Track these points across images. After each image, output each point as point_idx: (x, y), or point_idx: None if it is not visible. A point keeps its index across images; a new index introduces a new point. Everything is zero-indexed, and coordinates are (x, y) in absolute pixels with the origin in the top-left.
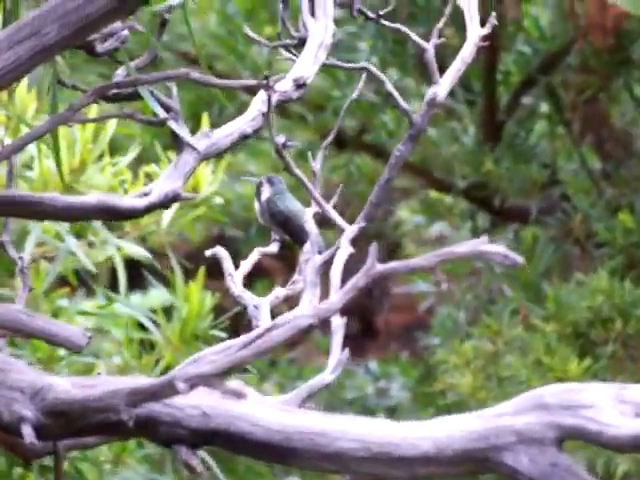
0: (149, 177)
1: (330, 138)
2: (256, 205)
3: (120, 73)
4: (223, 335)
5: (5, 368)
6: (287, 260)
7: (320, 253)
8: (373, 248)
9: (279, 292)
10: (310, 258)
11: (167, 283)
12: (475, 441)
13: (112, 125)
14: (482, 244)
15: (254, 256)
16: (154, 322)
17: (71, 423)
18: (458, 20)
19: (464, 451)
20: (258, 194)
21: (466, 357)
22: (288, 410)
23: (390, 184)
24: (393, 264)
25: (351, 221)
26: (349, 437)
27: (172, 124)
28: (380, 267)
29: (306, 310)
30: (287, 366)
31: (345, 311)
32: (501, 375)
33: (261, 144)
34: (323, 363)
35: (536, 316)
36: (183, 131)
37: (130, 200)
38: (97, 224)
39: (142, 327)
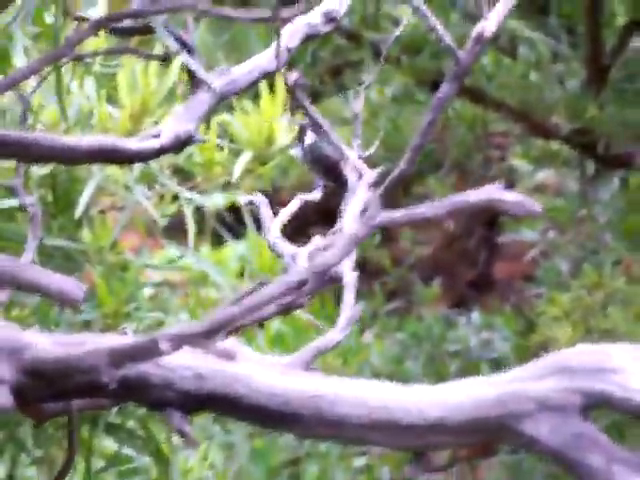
0: (223, 127)
1: (372, 77)
2: (298, 149)
3: (135, 6)
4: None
5: None
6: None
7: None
8: (374, 198)
9: (318, 242)
10: (349, 209)
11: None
12: (490, 408)
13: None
14: (496, 192)
15: (295, 203)
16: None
17: (52, 385)
18: None
19: (477, 419)
20: (301, 138)
21: (564, 309)
22: (290, 372)
23: (433, 127)
24: (396, 214)
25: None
26: (351, 402)
27: (185, 58)
28: (382, 216)
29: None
30: (387, 317)
31: (455, 259)
32: (602, 328)
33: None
34: (425, 313)
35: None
36: (198, 67)
37: (138, 142)
38: (164, 176)
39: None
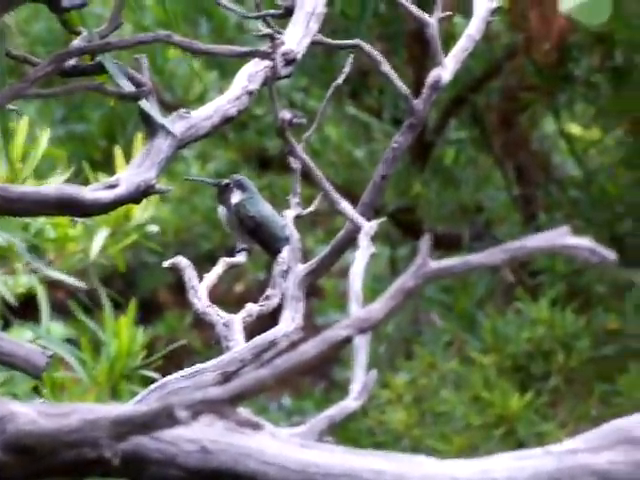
0: None
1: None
2: (220, 210)
3: (78, 43)
4: (155, 375)
5: None
6: (182, 293)
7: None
8: (424, 242)
9: (251, 309)
10: (291, 268)
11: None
12: None
13: (42, 145)
14: (563, 237)
15: (219, 267)
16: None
17: (38, 461)
18: None
19: None
20: (224, 198)
21: (398, 392)
22: (306, 445)
23: (386, 181)
24: (449, 261)
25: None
26: (385, 478)
27: (142, 103)
28: (434, 265)
29: (288, 327)
30: None
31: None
32: (436, 411)
33: (177, 165)
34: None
35: (472, 348)
36: (155, 111)
37: (94, 192)
38: (21, 249)
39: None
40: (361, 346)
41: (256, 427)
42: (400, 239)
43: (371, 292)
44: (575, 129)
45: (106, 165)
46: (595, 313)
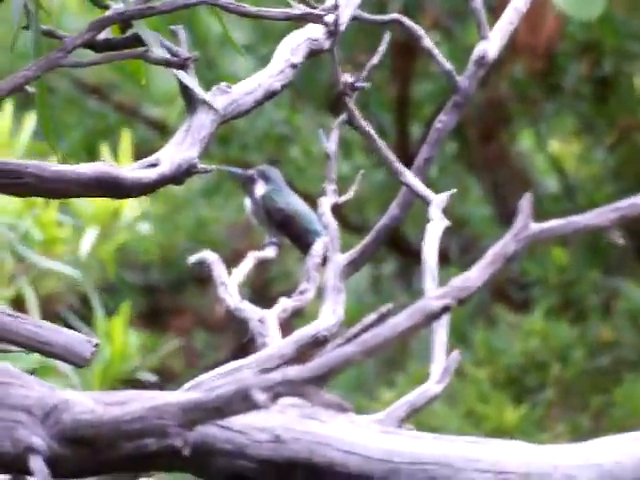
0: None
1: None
2: (247, 202)
3: (112, 14)
4: (152, 378)
5: (4, 381)
6: (153, 320)
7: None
8: (525, 201)
9: (286, 304)
10: (331, 258)
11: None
12: None
13: (28, 131)
14: None
15: (249, 262)
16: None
17: (97, 454)
18: None
19: None
20: (249, 189)
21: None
22: (389, 431)
23: (430, 164)
24: (553, 222)
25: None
26: (480, 466)
27: (182, 75)
28: (535, 227)
29: (329, 320)
30: None
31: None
32: (431, 425)
33: None
34: None
35: (465, 361)
36: (195, 85)
37: (135, 172)
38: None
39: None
40: (440, 324)
41: (343, 409)
42: (384, 256)
43: (353, 310)
44: (555, 144)
45: None
46: (588, 324)
